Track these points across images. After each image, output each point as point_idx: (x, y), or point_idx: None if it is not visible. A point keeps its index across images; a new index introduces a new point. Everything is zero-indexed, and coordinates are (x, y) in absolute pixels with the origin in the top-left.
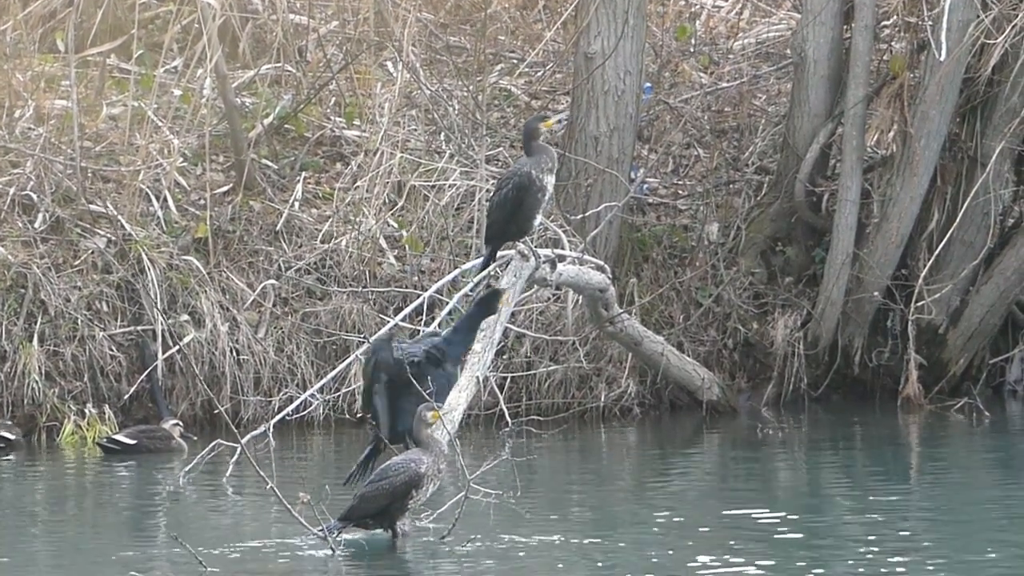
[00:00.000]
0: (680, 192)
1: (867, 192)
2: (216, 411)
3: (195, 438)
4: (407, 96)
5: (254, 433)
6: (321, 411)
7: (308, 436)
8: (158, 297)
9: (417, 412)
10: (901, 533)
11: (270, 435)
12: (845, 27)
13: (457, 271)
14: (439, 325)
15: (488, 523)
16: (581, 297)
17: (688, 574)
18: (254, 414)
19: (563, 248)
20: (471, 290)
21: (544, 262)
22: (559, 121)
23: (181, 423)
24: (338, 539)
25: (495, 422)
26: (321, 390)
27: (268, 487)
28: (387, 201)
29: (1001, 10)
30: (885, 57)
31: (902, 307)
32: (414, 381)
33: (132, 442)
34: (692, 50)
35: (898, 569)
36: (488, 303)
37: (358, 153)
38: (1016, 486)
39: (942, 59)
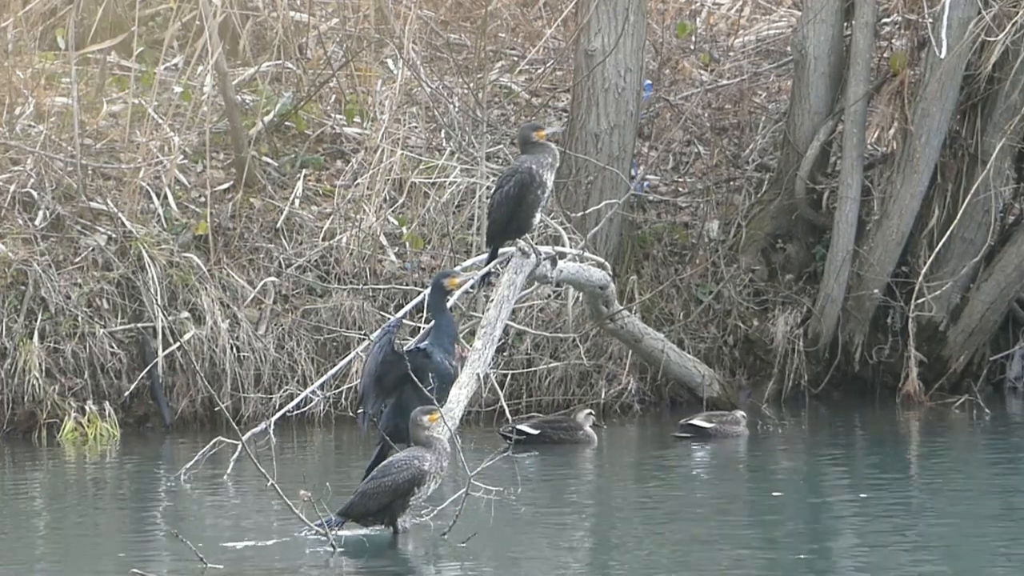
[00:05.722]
0: (680, 189)
1: (867, 189)
2: (217, 408)
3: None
4: (407, 93)
5: (255, 430)
6: (322, 408)
7: (309, 433)
8: (158, 294)
9: (412, 416)
10: (901, 529)
11: (271, 432)
12: (845, 24)
13: (458, 267)
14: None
15: (488, 520)
16: (581, 294)
17: (687, 569)
18: (255, 411)
19: (564, 245)
20: (472, 287)
21: (544, 259)
22: (553, 133)
23: (593, 413)
24: (338, 535)
25: (495, 419)
26: (322, 387)
27: (269, 484)
28: (388, 198)
29: (1001, 7)
30: (885, 54)
31: (902, 304)
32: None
33: (536, 432)
34: (692, 47)
35: (899, 565)
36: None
37: (359, 150)
38: (1016, 483)
39: (942, 56)
